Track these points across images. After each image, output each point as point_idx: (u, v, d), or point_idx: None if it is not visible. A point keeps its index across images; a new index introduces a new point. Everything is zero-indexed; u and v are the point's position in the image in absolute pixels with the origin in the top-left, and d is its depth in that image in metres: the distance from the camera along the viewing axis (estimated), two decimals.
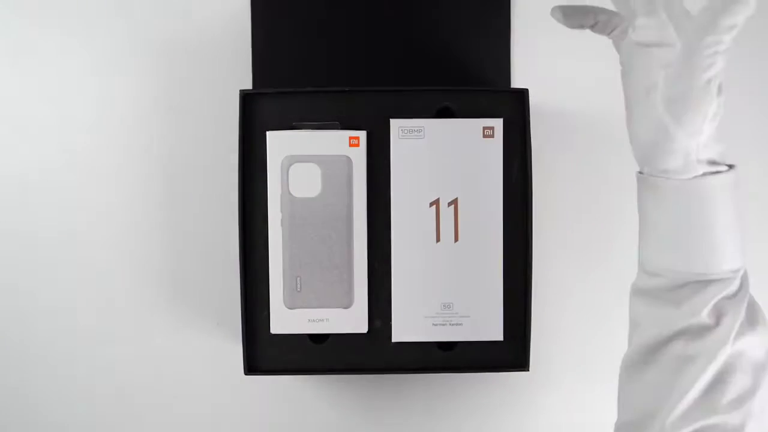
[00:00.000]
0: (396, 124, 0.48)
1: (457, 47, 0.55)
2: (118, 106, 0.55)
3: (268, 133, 0.47)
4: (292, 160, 0.47)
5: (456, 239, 0.48)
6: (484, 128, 0.48)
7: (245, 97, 0.48)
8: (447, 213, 0.48)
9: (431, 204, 0.48)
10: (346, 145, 0.47)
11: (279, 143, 0.47)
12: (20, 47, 0.55)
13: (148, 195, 0.55)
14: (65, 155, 0.55)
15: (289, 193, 0.48)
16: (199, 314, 0.56)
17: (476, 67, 0.55)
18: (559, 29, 0.56)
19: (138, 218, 0.55)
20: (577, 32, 0.56)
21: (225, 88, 0.54)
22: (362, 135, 0.48)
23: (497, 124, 0.48)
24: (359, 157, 0.48)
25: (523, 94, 0.49)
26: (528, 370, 0.49)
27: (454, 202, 0.48)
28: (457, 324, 0.48)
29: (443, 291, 0.48)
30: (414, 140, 0.48)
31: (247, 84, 0.55)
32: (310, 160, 0.47)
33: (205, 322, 0.56)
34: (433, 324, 0.48)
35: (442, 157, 0.48)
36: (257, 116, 0.48)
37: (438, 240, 0.48)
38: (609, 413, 0.58)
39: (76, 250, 0.55)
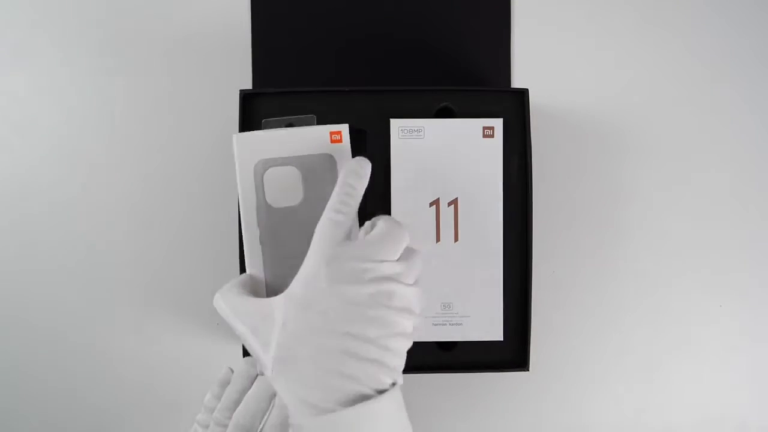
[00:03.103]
0: (396, 124, 0.48)
1: (457, 47, 0.55)
2: (118, 105, 0.55)
3: (234, 136, 0.39)
4: (266, 165, 0.39)
5: (456, 239, 0.48)
6: (484, 128, 0.48)
7: (245, 96, 0.48)
8: (447, 213, 0.48)
9: (431, 204, 0.48)
10: (327, 142, 0.40)
11: (249, 147, 0.39)
12: (20, 47, 0.55)
13: (148, 194, 0.55)
14: (65, 155, 0.55)
15: (267, 204, 0.40)
16: (199, 314, 0.56)
17: (476, 67, 0.55)
18: (559, 29, 0.56)
19: (138, 218, 0.55)
20: (577, 32, 0.56)
21: (225, 88, 0.54)
22: (344, 129, 0.40)
23: (497, 124, 0.48)
24: (343, 154, 0.40)
25: (523, 94, 0.49)
26: (528, 370, 0.49)
27: (453, 202, 0.48)
28: (457, 324, 0.48)
29: (443, 291, 0.48)
30: (414, 140, 0.48)
31: (247, 84, 0.55)
32: (286, 163, 0.39)
33: (205, 322, 0.56)
34: (433, 324, 0.48)
35: (442, 157, 0.48)
36: (257, 116, 0.48)
37: (438, 240, 0.48)
38: (608, 413, 0.58)
39: (76, 250, 0.55)
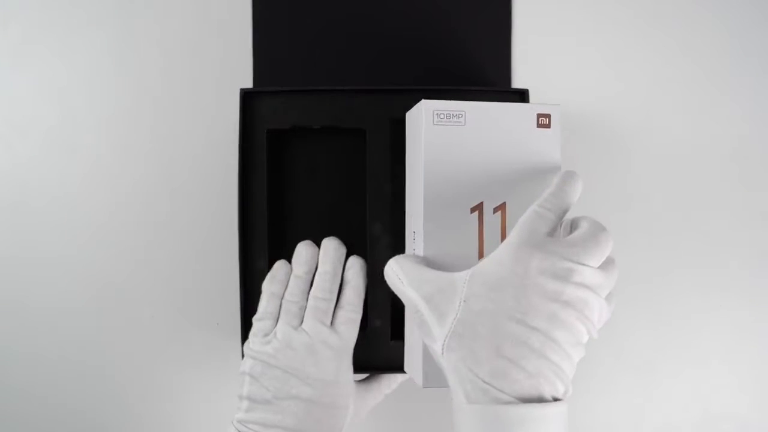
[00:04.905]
0: (430, 107, 0.38)
1: (457, 47, 0.55)
2: (118, 104, 0.55)
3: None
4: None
5: None
6: (539, 116, 0.39)
7: (246, 95, 0.48)
8: (492, 221, 0.38)
9: (473, 210, 0.38)
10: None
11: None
12: (20, 47, 0.55)
13: (148, 194, 0.55)
14: (65, 155, 0.55)
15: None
16: (199, 314, 0.56)
17: (476, 67, 0.55)
18: (559, 29, 0.56)
19: (137, 217, 0.55)
20: (577, 32, 0.56)
21: (225, 86, 0.54)
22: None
23: (554, 111, 0.39)
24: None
25: (523, 94, 0.49)
26: None
27: (501, 208, 0.38)
28: None
29: None
30: (453, 127, 0.38)
31: (248, 82, 0.55)
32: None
33: (205, 322, 0.56)
34: None
35: (487, 151, 0.38)
36: (258, 115, 0.48)
37: (481, 256, 0.38)
38: (608, 413, 0.58)
39: (77, 250, 0.55)
